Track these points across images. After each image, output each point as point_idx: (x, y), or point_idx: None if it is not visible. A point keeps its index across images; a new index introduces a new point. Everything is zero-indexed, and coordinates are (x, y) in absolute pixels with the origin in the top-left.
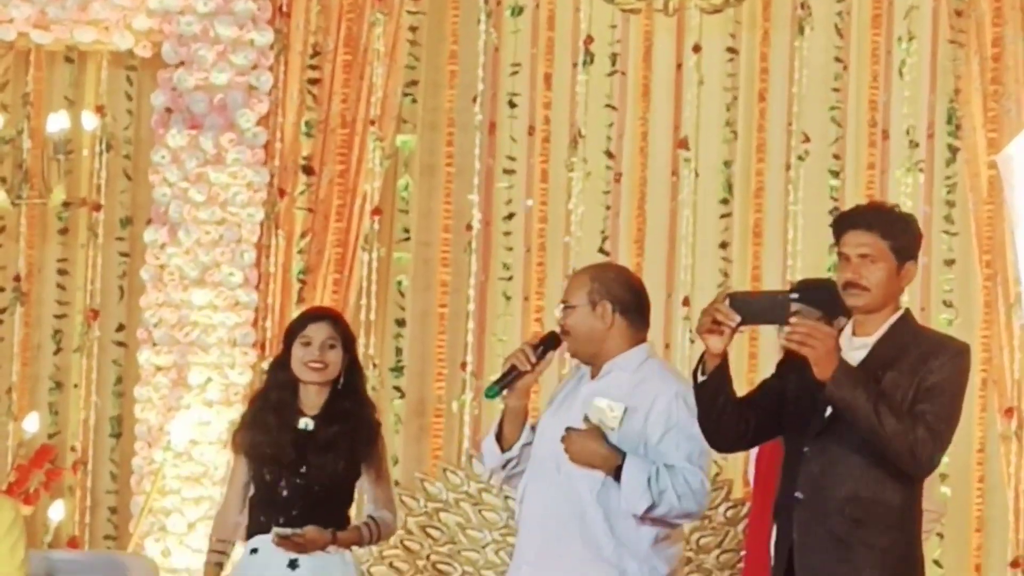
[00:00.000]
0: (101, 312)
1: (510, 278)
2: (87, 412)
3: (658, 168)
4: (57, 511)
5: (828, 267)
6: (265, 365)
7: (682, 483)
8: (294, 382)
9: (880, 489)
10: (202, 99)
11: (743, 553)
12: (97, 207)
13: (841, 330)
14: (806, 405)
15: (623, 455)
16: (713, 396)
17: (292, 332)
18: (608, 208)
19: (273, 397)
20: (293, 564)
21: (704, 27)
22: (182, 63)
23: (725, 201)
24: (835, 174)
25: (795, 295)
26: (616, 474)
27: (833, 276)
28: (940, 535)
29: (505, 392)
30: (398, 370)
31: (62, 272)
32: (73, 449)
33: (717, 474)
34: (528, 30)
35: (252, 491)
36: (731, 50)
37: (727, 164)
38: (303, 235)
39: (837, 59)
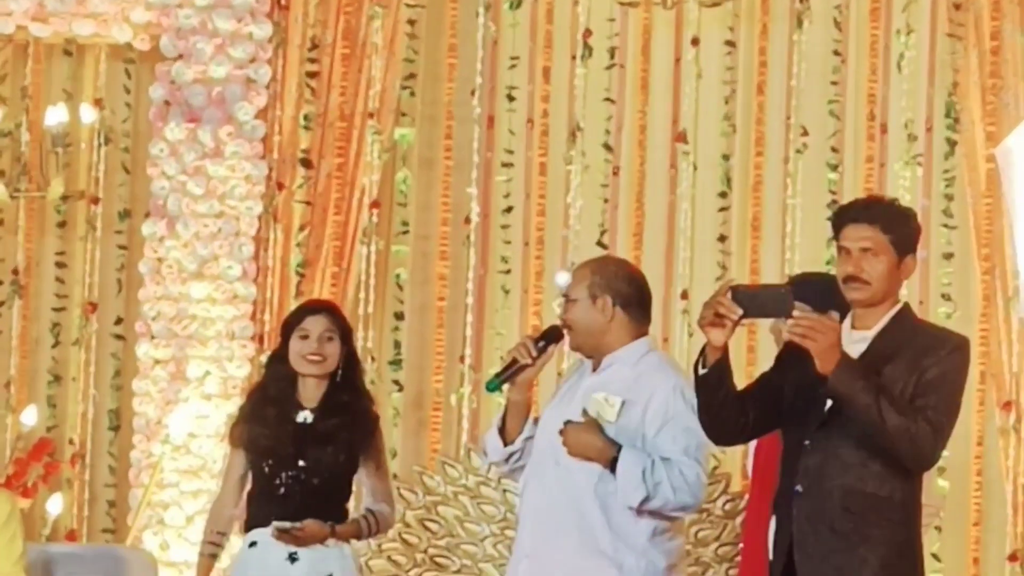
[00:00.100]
0: (99, 305)
1: (508, 271)
2: (85, 405)
3: (656, 161)
4: (55, 504)
5: (827, 260)
6: (263, 358)
7: (677, 476)
8: (292, 375)
9: (880, 483)
10: (200, 92)
11: (741, 546)
12: (95, 200)
13: None
14: (806, 398)
15: (619, 447)
16: (714, 389)
17: (289, 325)
18: (606, 201)
19: (272, 390)
20: (292, 557)
21: (703, 20)
22: (180, 56)
23: (723, 194)
24: (833, 167)
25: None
26: (612, 466)
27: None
28: (938, 529)
29: (506, 385)
30: (396, 363)
31: (60, 265)
32: (71, 442)
33: (715, 467)
34: (527, 23)
35: (250, 484)
36: (729, 43)
37: (725, 157)
38: (301, 228)
39: (835, 52)
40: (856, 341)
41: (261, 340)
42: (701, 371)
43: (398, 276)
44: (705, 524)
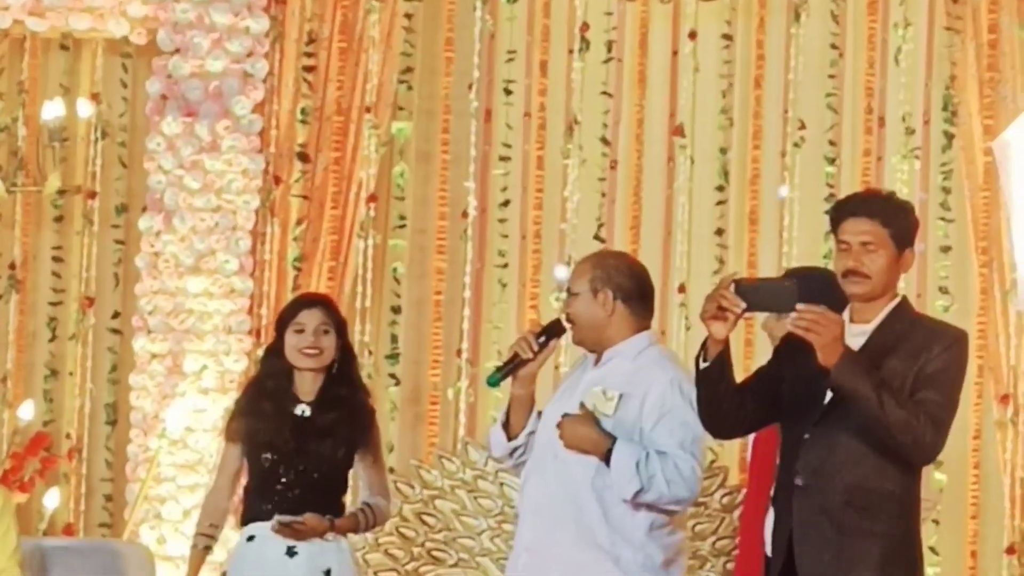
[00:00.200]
0: (96, 300)
1: (506, 265)
2: (82, 400)
3: (654, 155)
4: (52, 499)
5: (824, 254)
6: (260, 353)
7: (672, 469)
8: (289, 369)
9: (880, 476)
10: (197, 86)
11: (738, 540)
12: (92, 195)
13: None
14: (805, 392)
15: (614, 440)
16: (715, 382)
17: (284, 319)
18: (604, 195)
19: (269, 384)
20: (291, 551)
21: (700, 14)
22: (177, 50)
23: (721, 188)
24: (831, 161)
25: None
26: (607, 459)
27: (829, 263)
28: (936, 522)
29: (509, 379)
30: (393, 357)
31: (57, 260)
32: (68, 437)
33: (713, 461)
34: (524, 17)
35: (246, 478)
36: (727, 37)
37: (723, 151)
38: (298, 222)
39: (833, 46)
40: (855, 335)
41: (258, 334)
42: (703, 364)
43: (395, 270)
44: (703, 518)
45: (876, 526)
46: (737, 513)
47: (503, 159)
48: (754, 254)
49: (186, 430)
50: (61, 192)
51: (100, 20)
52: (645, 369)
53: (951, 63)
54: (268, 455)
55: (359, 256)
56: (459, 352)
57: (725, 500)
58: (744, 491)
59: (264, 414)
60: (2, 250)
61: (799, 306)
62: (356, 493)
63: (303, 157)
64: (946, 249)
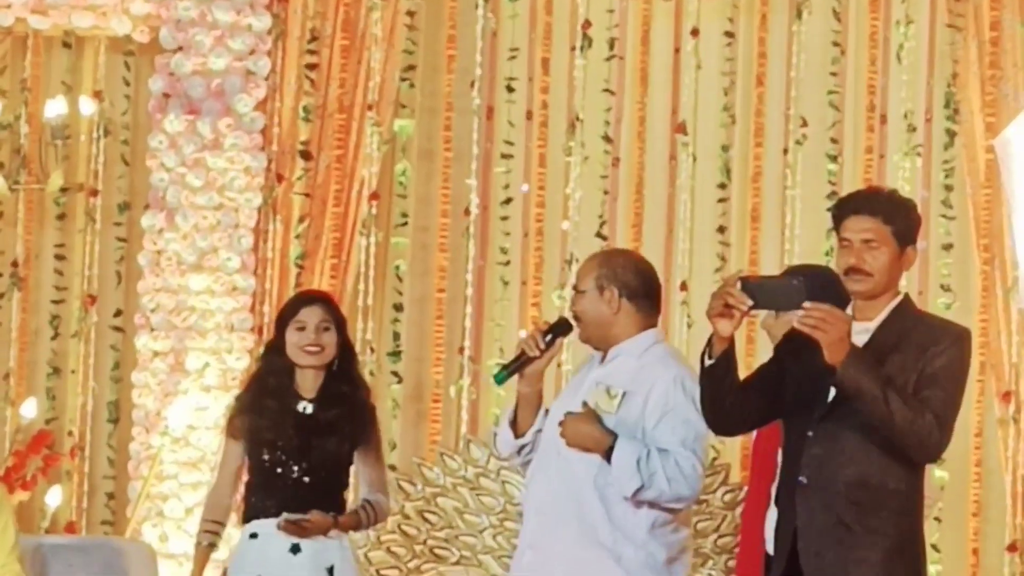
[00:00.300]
0: (99, 297)
1: (508, 263)
2: (84, 397)
3: (656, 153)
4: (54, 496)
5: (826, 251)
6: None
7: (673, 467)
8: (290, 366)
9: (885, 473)
10: (200, 84)
11: (739, 537)
12: (94, 192)
13: None
14: (808, 389)
15: (615, 437)
16: (720, 379)
17: (285, 317)
18: (606, 193)
19: (271, 382)
20: (295, 549)
21: (702, 11)
22: (180, 48)
23: (723, 185)
24: (833, 158)
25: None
26: (609, 456)
27: (831, 260)
28: (938, 519)
29: (516, 377)
30: (396, 355)
31: (59, 257)
32: (70, 434)
33: (715, 459)
34: (526, 15)
35: (248, 476)
36: (729, 34)
37: (725, 148)
38: (301, 220)
39: (835, 43)
40: (857, 332)
41: (260, 332)
42: (708, 362)
43: (397, 268)
44: (704, 515)
45: (880, 524)
46: (739, 511)
47: (505, 156)
48: (756, 252)
49: (188, 428)
50: (64, 190)
51: (103, 18)
52: (649, 367)
53: (953, 60)
54: (271, 452)
55: (361, 254)
56: (461, 350)
57: (727, 498)
58: (746, 488)
59: (267, 411)
60: (4, 248)
61: (806, 304)
62: (354, 490)
63: (305, 155)
64: (948, 247)
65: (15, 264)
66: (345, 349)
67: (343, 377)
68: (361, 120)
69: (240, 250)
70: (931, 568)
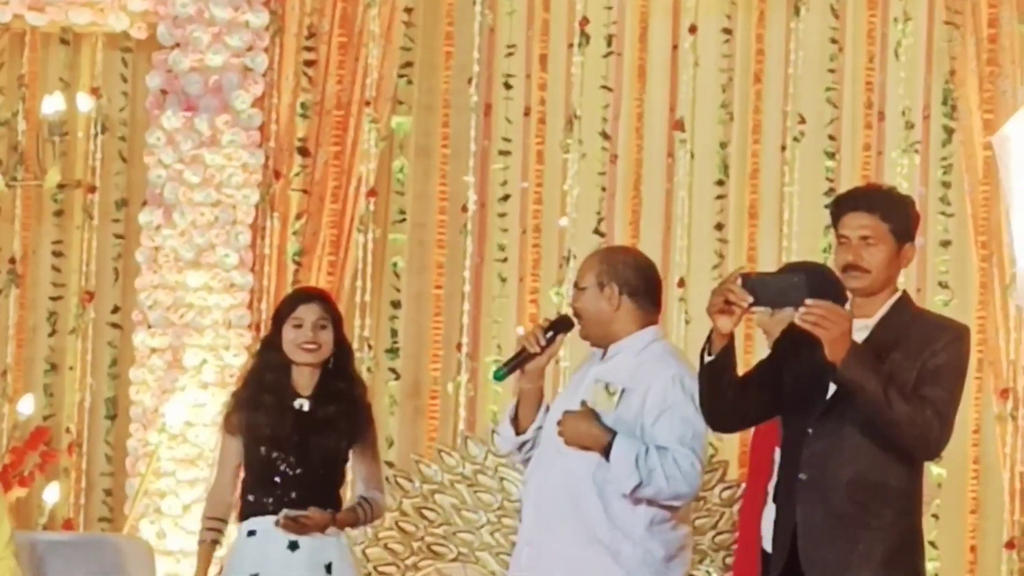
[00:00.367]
0: (96, 294)
1: (505, 260)
2: (82, 394)
3: (654, 149)
4: (52, 493)
5: (823, 248)
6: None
7: (671, 464)
8: (286, 363)
9: (885, 471)
10: (197, 81)
11: (737, 534)
12: (92, 189)
13: None
14: (807, 386)
15: (613, 434)
16: (719, 376)
17: (282, 314)
18: (604, 189)
19: (268, 378)
20: (293, 546)
21: (700, 8)
22: (177, 45)
23: (721, 182)
24: (831, 155)
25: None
26: (607, 453)
27: (829, 257)
28: (935, 516)
29: (517, 373)
30: (393, 352)
31: (57, 254)
32: (68, 431)
33: (712, 455)
34: (524, 11)
35: (244, 472)
36: (727, 31)
37: (723, 145)
38: (298, 217)
39: (833, 40)
40: (856, 329)
41: (258, 328)
42: (708, 358)
43: (395, 264)
44: (702, 512)
45: (880, 521)
46: (736, 507)
47: (503, 153)
48: (754, 249)
49: (186, 424)
50: (61, 186)
51: (100, 14)
52: (648, 365)
53: (951, 57)
54: (268, 449)
55: (359, 250)
56: (459, 346)
57: (725, 495)
58: (743, 485)
59: (264, 407)
60: (2, 244)
61: (808, 301)
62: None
63: (303, 151)
64: (946, 244)
65: (12, 261)
66: (341, 347)
67: (339, 374)
68: (359, 117)
69: (238, 247)
70: (929, 565)
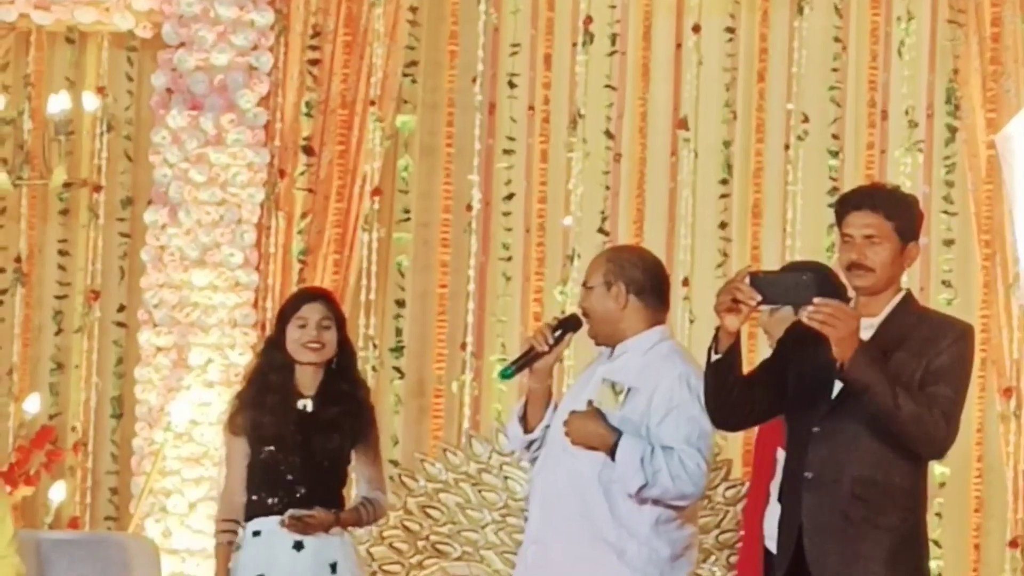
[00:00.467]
0: (102, 293)
1: (510, 258)
2: (88, 393)
3: (657, 148)
4: (58, 492)
5: (827, 247)
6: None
7: (677, 464)
8: (290, 363)
9: (890, 469)
10: (202, 80)
11: (741, 533)
12: (98, 188)
13: None
14: (812, 385)
15: (619, 434)
16: (725, 374)
17: (286, 313)
18: (608, 188)
19: (272, 378)
20: (299, 546)
21: (703, 7)
22: (183, 44)
23: (724, 181)
24: (834, 154)
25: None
26: (613, 453)
27: (832, 256)
28: (939, 515)
29: (525, 372)
30: (398, 350)
31: (63, 253)
32: (74, 430)
33: (717, 454)
34: (528, 10)
35: (249, 472)
36: (730, 30)
37: (726, 144)
38: (303, 216)
39: (836, 39)
40: (861, 328)
41: (263, 328)
42: (715, 356)
43: (399, 263)
44: (706, 511)
45: (886, 520)
46: (740, 506)
47: (507, 152)
48: (757, 247)
49: (191, 423)
50: (67, 185)
51: (105, 13)
52: (654, 364)
53: (954, 56)
54: (272, 449)
55: (363, 249)
56: (463, 345)
57: (729, 493)
58: (747, 484)
59: (269, 408)
60: (8, 243)
61: (816, 300)
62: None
63: (308, 150)
64: (949, 243)
65: (18, 260)
66: (344, 348)
67: (343, 375)
68: (363, 116)
69: (243, 245)
70: (933, 563)
